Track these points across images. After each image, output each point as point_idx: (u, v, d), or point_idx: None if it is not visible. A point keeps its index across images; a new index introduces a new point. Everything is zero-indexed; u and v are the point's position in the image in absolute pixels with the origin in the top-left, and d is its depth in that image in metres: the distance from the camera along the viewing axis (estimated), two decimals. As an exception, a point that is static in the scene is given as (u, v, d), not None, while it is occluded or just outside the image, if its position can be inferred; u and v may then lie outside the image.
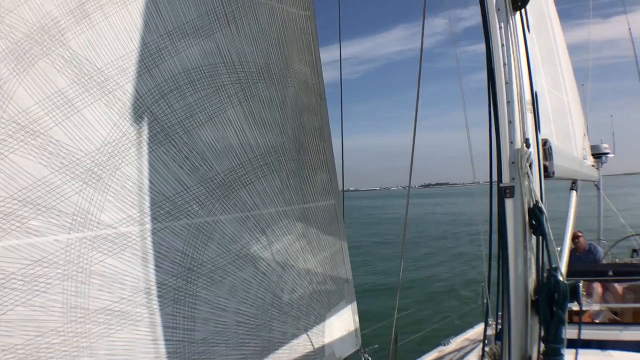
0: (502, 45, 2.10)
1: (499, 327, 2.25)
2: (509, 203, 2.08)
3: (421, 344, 5.74)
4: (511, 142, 2.09)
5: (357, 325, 2.98)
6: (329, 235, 2.72)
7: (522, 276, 2.09)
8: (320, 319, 2.69)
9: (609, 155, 9.16)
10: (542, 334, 2.14)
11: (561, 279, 2.12)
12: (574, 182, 3.79)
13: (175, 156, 2.01)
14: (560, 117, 4.41)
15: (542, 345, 2.17)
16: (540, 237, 2.11)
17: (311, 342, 2.62)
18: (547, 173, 2.35)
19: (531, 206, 2.10)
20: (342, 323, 2.86)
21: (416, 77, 3.19)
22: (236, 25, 2.24)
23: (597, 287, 6.67)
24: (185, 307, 2.02)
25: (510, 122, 2.09)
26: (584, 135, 6.14)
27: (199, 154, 2.08)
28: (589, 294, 7.13)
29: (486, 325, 2.62)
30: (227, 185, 2.17)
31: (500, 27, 2.13)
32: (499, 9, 2.15)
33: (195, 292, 2.05)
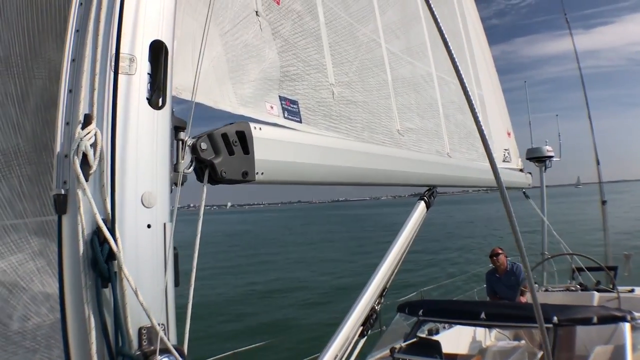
0: None
1: None
2: (64, 223, 1.32)
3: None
4: (67, 123, 1.38)
5: None
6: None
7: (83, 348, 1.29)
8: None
9: (553, 158, 8.03)
10: None
11: None
12: (429, 189, 2.85)
13: None
14: (461, 112, 4.01)
15: None
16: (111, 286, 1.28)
17: (53, 380, 2.25)
18: (219, 176, 1.63)
19: (92, 230, 1.28)
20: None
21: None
22: None
23: None
24: None
25: (71, 90, 1.40)
26: (508, 134, 5.23)
27: None
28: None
29: None
30: None
31: None
32: None
33: None
